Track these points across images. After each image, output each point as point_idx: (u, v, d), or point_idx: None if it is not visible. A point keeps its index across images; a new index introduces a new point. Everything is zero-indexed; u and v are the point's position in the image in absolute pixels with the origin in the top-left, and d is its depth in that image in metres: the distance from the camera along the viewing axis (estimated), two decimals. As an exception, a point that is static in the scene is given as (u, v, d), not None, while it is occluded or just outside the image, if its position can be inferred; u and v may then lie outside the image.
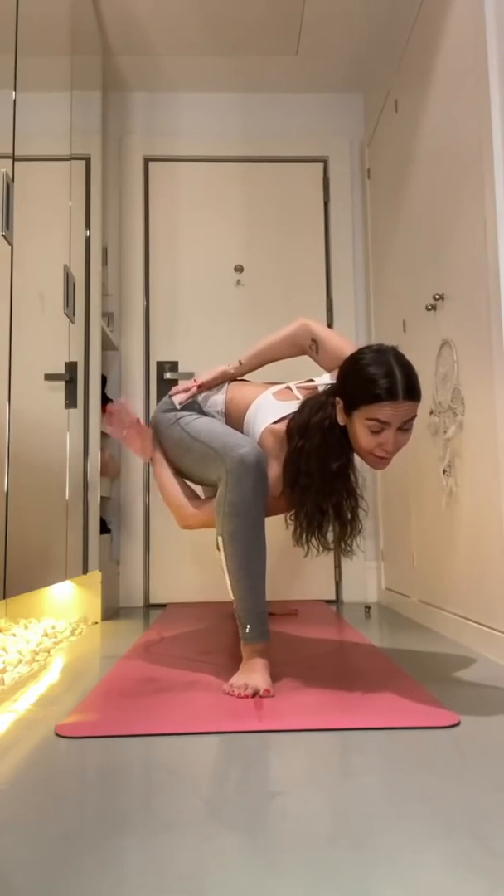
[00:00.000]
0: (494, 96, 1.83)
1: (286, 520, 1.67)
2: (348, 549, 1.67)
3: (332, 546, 1.67)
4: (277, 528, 1.78)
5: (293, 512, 1.65)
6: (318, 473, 1.57)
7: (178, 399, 1.84)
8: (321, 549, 1.66)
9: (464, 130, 2.05)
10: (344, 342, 1.75)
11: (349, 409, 1.52)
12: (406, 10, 2.66)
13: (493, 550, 1.87)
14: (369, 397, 1.47)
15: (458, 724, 1.28)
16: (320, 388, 1.73)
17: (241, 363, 1.88)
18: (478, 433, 1.98)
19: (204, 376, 1.87)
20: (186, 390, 1.85)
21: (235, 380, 1.91)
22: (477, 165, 1.94)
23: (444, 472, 2.23)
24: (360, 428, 1.51)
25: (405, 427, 1.50)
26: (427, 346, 2.43)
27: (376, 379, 1.46)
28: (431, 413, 2.37)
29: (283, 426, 1.66)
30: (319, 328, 1.79)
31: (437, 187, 2.30)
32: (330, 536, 1.67)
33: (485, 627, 1.93)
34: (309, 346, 1.80)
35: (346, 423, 1.56)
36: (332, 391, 1.61)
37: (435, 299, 2.30)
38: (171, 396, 1.87)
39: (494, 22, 1.86)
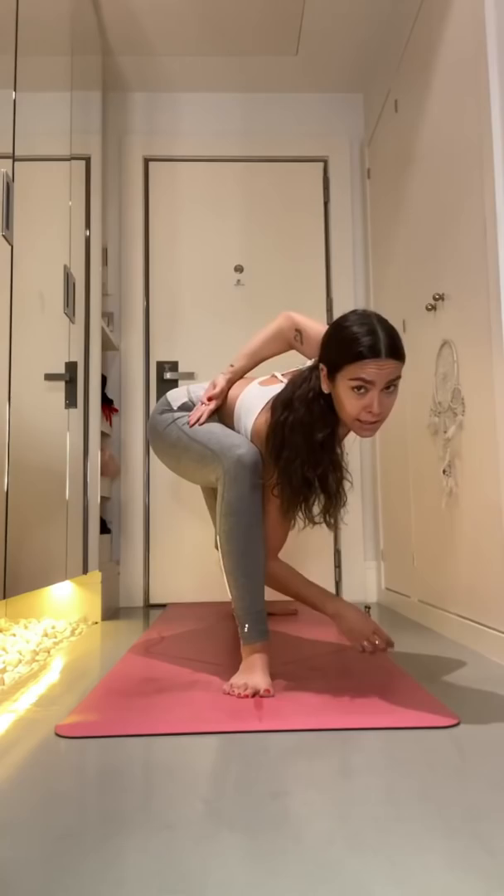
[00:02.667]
0: (494, 96, 1.83)
1: (271, 493, 1.64)
2: (332, 521, 1.65)
3: (317, 520, 1.64)
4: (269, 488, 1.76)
5: (277, 484, 1.61)
6: (304, 444, 1.55)
7: (199, 424, 1.78)
8: (306, 522, 1.64)
9: (464, 130, 2.05)
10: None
11: (333, 373, 1.51)
12: (406, 10, 2.66)
13: (493, 550, 1.87)
14: (352, 355, 1.46)
15: (458, 724, 1.28)
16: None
17: (232, 367, 1.87)
18: (478, 433, 1.98)
19: (207, 392, 1.84)
20: (201, 415, 1.80)
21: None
22: (477, 165, 1.94)
23: (444, 472, 2.23)
24: (345, 391, 1.49)
25: (389, 388, 1.49)
26: (427, 346, 2.43)
27: (358, 337, 1.46)
28: (431, 413, 2.37)
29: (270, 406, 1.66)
30: (303, 319, 1.78)
31: (437, 187, 2.30)
32: (316, 509, 1.65)
33: (485, 627, 1.93)
34: (294, 338, 1.79)
35: (331, 390, 1.54)
36: (316, 364, 1.60)
37: (435, 299, 2.30)
38: (190, 426, 1.80)
39: (494, 22, 1.86)
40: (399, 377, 1.50)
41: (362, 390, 1.47)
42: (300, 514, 1.64)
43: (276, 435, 1.59)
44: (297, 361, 1.89)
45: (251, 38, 3.12)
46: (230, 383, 1.86)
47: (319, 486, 1.59)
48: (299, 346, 1.78)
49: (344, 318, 1.54)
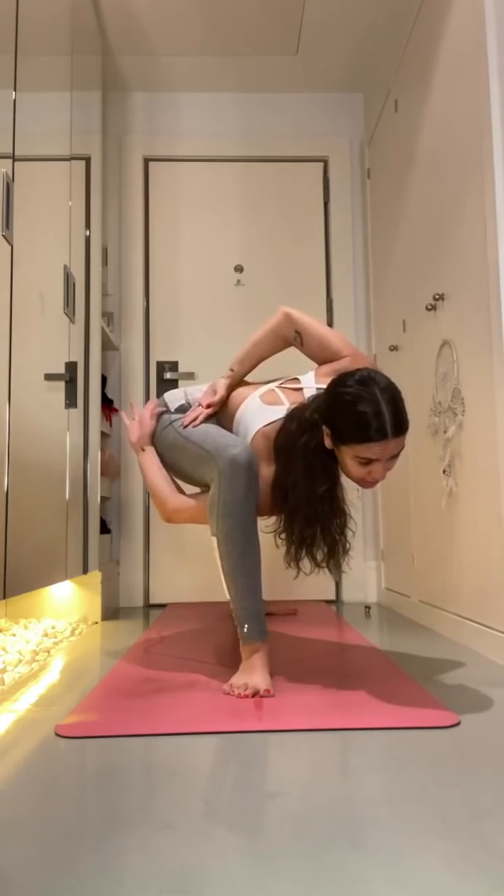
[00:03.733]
0: (494, 96, 1.83)
1: (276, 541, 1.67)
2: (337, 568, 1.68)
3: (322, 565, 1.67)
4: (273, 535, 1.77)
5: (283, 532, 1.65)
6: (305, 497, 1.57)
7: (194, 426, 1.79)
8: (313, 568, 1.66)
9: (464, 130, 2.05)
10: (327, 333, 1.74)
11: (337, 442, 1.52)
12: (406, 10, 2.66)
13: (493, 550, 1.87)
14: (357, 437, 1.45)
15: (458, 724, 1.27)
16: (305, 392, 1.72)
17: (232, 371, 1.86)
18: (478, 433, 1.98)
19: (207, 398, 1.84)
20: (196, 417, 1.80)
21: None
22: (477, 165, 1.94)
23: (444, 472, 2.23)
24: (349, 460, 1.51)
25: (394, 457, 1.51)
26: (427, 346, 2.43)
27: (364, 419, 1.43)
28: (431, 413, 2.37)
29: (273, 429, 1.66)
30: (301, 318, 1.75)
31: (437, 187, 2.30)
32: (320, 556, 1.67)
33: (485, 627, 1.93)
34: (294, 339, 1.78)
35: (334, 448, 1.55)
36: (318, 409, 1.57)
37: (435, 299, 2.30)
38: (184, 427, 1.81)
39: (494, 22, 1.86)
40: (403, 447, 1.50)
41: (366, 463, 1.49)
42: (305, 561, 1.65)
43: (281, 484, 1.61)
44: (298, 361, 1.89)
45: (251, 38, 3.12)
46: (230, 389, 1.86)
47: (321, 536, 1.62)
48: (299, 346, 1.78)
49: (349, 387, 1.48)
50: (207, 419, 1.81)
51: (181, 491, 1.82)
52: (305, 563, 1.67)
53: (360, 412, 1.44)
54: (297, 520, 1.59)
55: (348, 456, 1.50)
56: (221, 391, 1.84)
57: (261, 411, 1.73)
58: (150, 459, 1.84)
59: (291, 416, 1.63)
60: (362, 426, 1.44)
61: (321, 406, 1.56)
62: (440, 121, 2.27)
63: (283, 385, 1.79)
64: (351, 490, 1.69)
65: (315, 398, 1.63)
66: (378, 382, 1.47)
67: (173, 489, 1.81)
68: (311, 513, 1.58)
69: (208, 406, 1.81)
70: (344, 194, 3.46)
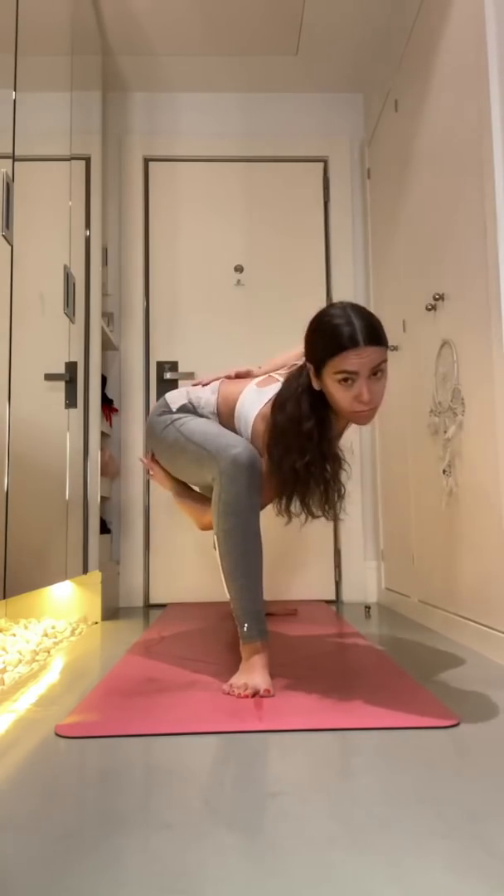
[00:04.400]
0: (494, 96, 1.83)
1: (280, 510, 1.66)
2: (330, 511, 1.66)
3: (316, 512, 1.66)
4: (276, 528, 1.78)
5: (271, 477, 1.65)
6: (293, 437, 1.58)
7: (203, 382, 1.90)
8: (306, 517, 1.66)
9: (464, 130, 2.05)
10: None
11: (319, 370, 1.53)
12: (406, 10, 2.66)
13: (493, 550, 1.87)
14: (331, 349, 1.47)
15: (458, 724, 1.27)
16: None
17: (259, 367, 1.97)
18: (478, 433, 1.98)
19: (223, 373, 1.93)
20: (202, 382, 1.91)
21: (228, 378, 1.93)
22: (477, 165, 1.94)
23: (444, 472, 2.23)
24: (333, 385, 1.51)
25: (376, 374, 1.50)
26: (427, 346, 2.43)
27: (336, 329, 1.47)
28: (431, 413, 2.37)
29: (269, 407, 1.68)
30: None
31: (437, 187, 2.30)
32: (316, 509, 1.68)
33: (485, 627, 1.93)
34: None
35: (321, 387, 1.56)
36: (303, 359, 1.63)
37: (435, 299, 2.30)
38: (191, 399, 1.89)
39: (494, 22, 1.86)
40: (384, 361, 1.51)
41: (349, 381, 1.49)
42: (300, 507, 1.65)
43: (271, 434, 1.63)
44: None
45: (251, 37, 3.12)
46: (251, 375, 1.92)
47: (311, 475, 1.60)
48: None
49: (321, 312, 1.55)
50: (207, 407, 1.86)
51: (206, 499, 1.89)
52: (298, 511, 1.67)
53: (332, 325, 1.48)
54: (286, 461, 1.59)
55: (330, 379, 1.51)
56: (243, 369, 1.93)
57: (258, 395, 1.77)
58: (182, 498, 1.94)
59: (285, 381, 1.70)
60: (335, 336, 1.47)
61: (304, 352, 1.60)
62: (440, 121, 2.27)
63: (281, 372, 1.83)
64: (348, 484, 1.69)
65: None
66: (351, 304, 1.53)
67: (204, 506, 1.88)
68: (300, 447, 1.58)
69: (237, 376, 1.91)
70: (344, 194, 3.46)
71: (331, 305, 1.56)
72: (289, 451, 1.59)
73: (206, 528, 1.87)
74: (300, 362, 1.83)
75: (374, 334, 1.48)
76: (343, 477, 1.67)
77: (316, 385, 1.57)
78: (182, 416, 1.82)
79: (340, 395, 1.51)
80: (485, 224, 1.89)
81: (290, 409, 1.60)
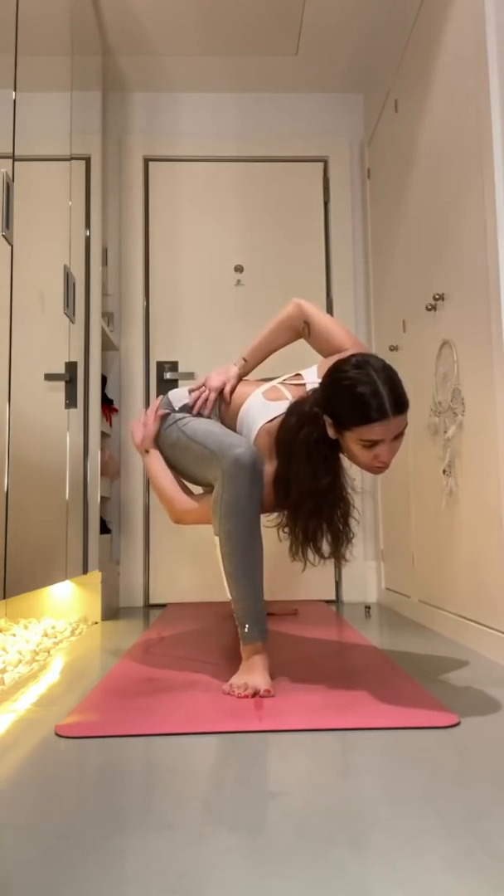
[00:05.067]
0: (494, 96, 1.83)
1: (279, 534, 1.66)
2: (342, 557, 1.66)
3: (327, 556, 1.65)
4: (276, 529, 1.77)
5: (286, 525, 1.63)
6: (308, 490, 1.56)
7: (206, 412, 1.81)
8: (318, 559, 1.65)
9: (464, 130, 2.05)
10: (333, 326, 1.74)
11: (339, 429, 1.50)
12: (406, 10, 2.66)
13: (493, 550, 1.87)
14: (358, 419, 1.44)
15: (457, 724, 1.27)
16: (308, 387, 1.71)
17: (245, 360, 1.88)
18: (478, 433, 1.98)
19: (214, 380, 1.84)
20: (206, 401, 1.81)
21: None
22: (477, 165, 1.94)
23: (444, 472, 2.23)
24: (354, 446, 1.50)
25: (398, 437, 1.50)
26: (427, 346, 2.43)
27: (363, 400, 1.43)
28: (431, 413, 2.37)
29: (276, 425, 1.66)
30: (311, 310, 1.77)
31: (437, 187, 2.30)
32: (325, 546, 1.67)
33: (485, 627, 1.93)
34: (302, 329, 1.79)
35: (338, 438, 1.54)
36: (317, 400, 1.57)
37: (435, 299, 2.30)
38: (194, 409, 1.82)
39: (494, 22, 1.86)
40: (406, 426, 1.49)
41: (371, 446, 1.47)
42: (310, 553, 1.65)
43: (283, 479, 1.60)
44: (299, 355, 1.90)
45: (251, 38, 3.12)
46: (240, 378, 1.87)
47: (326, 527, 1.61)
48: (307, 337, 1.78)
49: (343, 372, 1.49)
50: (214, 405, 1.82)
51: (188, 492, 1.83)
52: (313, 559, 1.66)
53: (358, 394, 1.44)
54: (301, 514, 1.58)
55: (352, 441, 1.49)
56: (233, 381, 1.85)
57: (264, 408, 1.73)
58: (156, 461, 1.84)
59: (291, 411, 1.63)
60: (362, 408, 1.43)
61: (320, 397, 1.56)
62: (440, 121, 2.27)
63: (286, 381, 1.79)
64: (355, 477, 1.69)
65: (315, 391, 1.63)
66: (373, 364, 1.48)
67: (180, 490, 1.81)
68: (314, 506, 1.57)
69: (221, 392, 1.83)
70: (344, 194, 3.46)
71: (351, 364, 1.49)
72: (302, 506, 1.57)
73: (179, 521, 1.80)
74: (284, 332, 1.80)
75: (400, 403, 1.45)
76: (351, 523, 1.66)
77: (332, 434, 1.53)
78: (185, 415, 1.82)
79: (360, 454, 1.50)
80: (485, 224, 1.89)
81: (302, 461, 1.55)
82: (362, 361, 1.49)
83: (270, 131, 3.49)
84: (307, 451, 1.56)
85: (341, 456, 1.62)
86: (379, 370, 1.47)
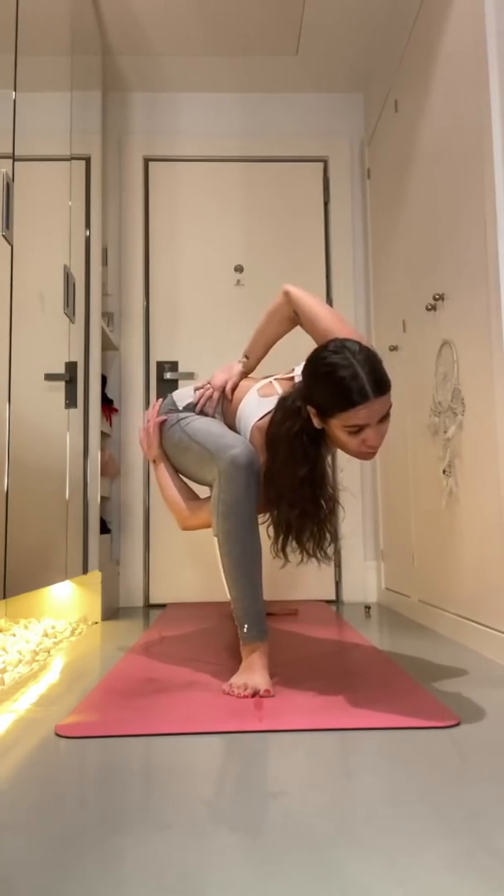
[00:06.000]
0: (494, 96, 1.83)
1: (267, 532, 1.65)
2: (324, 555, 1.63)
3: (311, 553, 1.63)
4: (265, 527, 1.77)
5: (270, 523, 1.62)
6: (287, 483, 1.54)
7: (210, 411, 1.82)
8: (302, 557, 1.63)
9: (464, 130, 2.05)
10: (320, 312, 1.68)
11: (324, 417, 1.48)
12: (406, 10, 2.66)
13: (493, 550, 1.87)
14: (341, 405, 1.42)
15: (457, 724, 1.27)
16: (296, 380, 1.69)
17: (246, 357, 1.88)
18: (478, 433, 1.98)
19: (217, 378, 1.85)
20: (210, 398, 1.82)
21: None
22: (477, 165, 1.94)
23: (444, 472, 2.23)
24: (339, 433, 1.47)
25: (383, 419, 1.47)
26: (427, 346, 2.43)
27: (343, 384, 1.40)
28: (431, 413, 2.37)
29: (266, 422, 1.65)
30: (299, 297, 1.72)
31: (437, 187, 2.30)
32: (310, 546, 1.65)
33: (485, 627, 1.93)
34: (294, 317, 1.76)
35: (324, 427, 1.52)
36: (301, 393, 1.55)
37: (435, 299, 2.30)
38: (198, 407, 1.83)
39: (494, 22, 1.86)
40: (390, 406, 1.47)
41: (357, 431, 1.45)
42: (290, 549, 1.63)
43: (266, 475, 1.60)
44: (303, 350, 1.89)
45: (251, 37, 3.12)
46: (243, 375, 1.88)
47: (303, 523, 1.58)
48: (300, 324, 1.77)
49: (323, 359, 1.47)
50: (217, 404, 1.83)
51: (195, 496, 1.84)
52: (296, 558, 1.65)
53: (338, 379, 1.41)
54: (282, 507, 1.57)
55: (338, 429, 1.47)
56: (235, 378, 1.85)
57: (257, 405, 1.74)
58: (163, 472, 1.87)
59: (279, 406, 1.62)
60: (343, 393, 1.41)
61: (302, 388, 1.55)
62: (440, 121, 2.27)
63: (279, 377, 1.80)
64: (349, 483, 1.68)
65: (298, 384, 1.61)
66: (350, 348, 1.45)
67: (186, 498, 1.83)
68: (293, 498, 1.55)
69: (223, 391, 1.83)
70: (344, 194, 3.46)
71: (330, 350, 1.47)
72: (283, 499, 1.56)
73: (185, 528, 1.82)
74: (278, 324, 1.79)
75: (381, 383, 1.43)
76: (336, 522, 1.63)
77: (317, 424, 1.52)
78: (187, 414, 1.82)
79: (347, 441, 1.48)
80: (485, 224, 1.89)
81: (284, 453, 1.55)
82: (339, 346, 1.46)
83: (270, 131, 3.49)
84: (289, 443, 1.55)
85: (327, 457, 1.62)
86: (356, 353, 1.44)
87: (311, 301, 1.71)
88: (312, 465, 1.55)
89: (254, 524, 1.60)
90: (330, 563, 1.66)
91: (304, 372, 1.54)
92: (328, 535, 1.63)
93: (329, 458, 1.67)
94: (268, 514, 1.66)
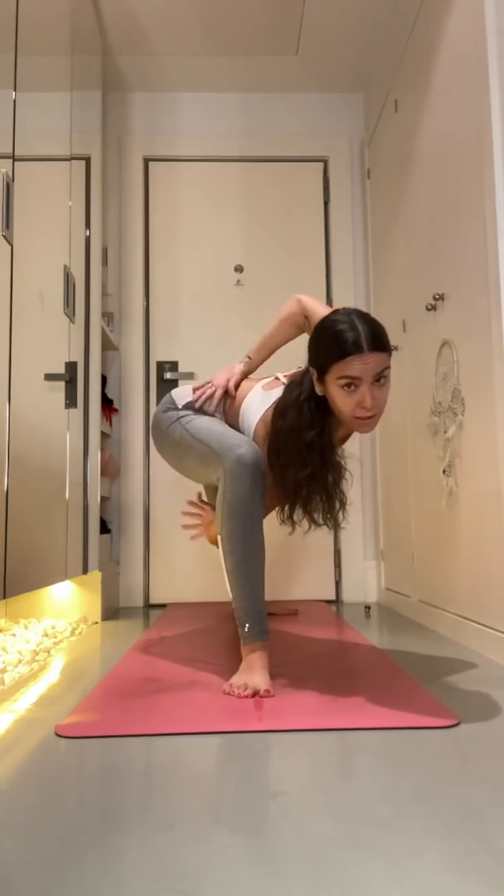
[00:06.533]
0: (494, 96, 1.83)
1: (283, 519, 1.66)
2: (333, 522, 1.66)
3: (319, 521, 1.65)
4: (276, 529, 1.78)
5: (275, 488, 1.64)
6: (294, 447, 1.57)
7: (210, 408, 1.82)
8: (309, 525, 1.65)
9: (464, 130, 2.05)
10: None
11: (322, 376, 1.52)
12: (406, 10, 2.66)
13: (493, 550, 1.87)
14: (335, 355, 1.46)
15: (458, 724, 1.27)
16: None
17: (250, 358, 1.90)
18: (478, 433, 1.98)
19: (220, 378, 1.86)
20: (211, 396, 1.83)
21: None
22: (477, 165, 1.94)
23: (444, 472, 2.23)
24: (336, 390, 1.50)
25: (379, 381, 1.49)
26: (427, 346, 2.43)
27: (339, 335, 1.46)
28: (431, 413, 2.37)
29: (271, 412, 1.67)
30: (310, 304, 1.80)
31: (437, 187, 2.30)
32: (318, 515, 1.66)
33: (485, 627, 1.93)
34: (303, 323, 1.81)
35: (324, 392, 1.55)
36: (307, 364, 1.61)
37: (435, 299, 2.30)
38: (196, 403, 1.83)
39: (494, 22, 1.86)
40: (387, 368, 1.50)
41: (352, 387, 1.47)
42: (303, 516, 1.65)
43: (273, 443, 1.61)
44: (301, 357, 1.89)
45: (251, 37, 3.12)
46: (244, 375, 1.89)
47: (313, 486, 1.60)
48: (308, 331, 1.79)
49: (325, 318, 1.54)
50: (218, 404, 1.83)
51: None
52: (304, 527, 1.66)
53: (336, 331, 1.47)
54: (290, 472, 1.58)
55: (333, 385, 1.50)
56: (237, 377, 1.87)
57: (262, 398, 1.76)
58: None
59: (287, 386, 1.67)
60: (339, 341, 1.46)
61: (308, 355, 1.59)
62: (440, 121, 2.27)
63: (286, 374, 1.81)
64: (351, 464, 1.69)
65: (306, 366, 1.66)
66: (355, 311, 1.52)
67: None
68: (302, 461, 1.57)
69: (224, 389, 1.84)
70: (344, 194, 3.46)
71: (335, 311, 1.54)
72: (291, 462, 1.57)
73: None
74: (287, 328, 1.83)
75: (378, 340, 1.47)
76: (344, 486, 1.65)
77: (319, 390, 1.56)
78: (187, 413, 1.82)
79: (343, 401, 1.50)
80: (485, 224, 1.89)
81: (292, 418, 1.59)
82: (346, 309, 1.54)
83: (270, 131, 3.49)
84: (297, 409, 1.59)
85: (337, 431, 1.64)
86: (360, 314, 1.50)
87: (323, 309, 1.77)
88: (320, 430, 1.58)
89: (258, 525, 1.60)
90: (339, 529, 1.69)
91: (309, 340, 1.58)
92: (337, 502, 1.64)
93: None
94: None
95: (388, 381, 1.52)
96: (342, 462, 1.65)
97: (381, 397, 1.51)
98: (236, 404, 1.83)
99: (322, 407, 1.58)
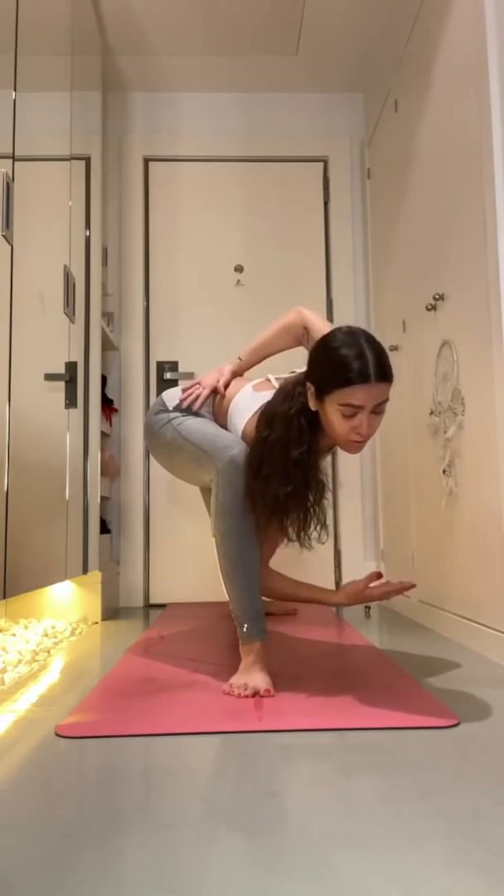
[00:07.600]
0: (494, 96, 1.83)
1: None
2: (307, 539, 1.61)
3: (293, 537, 1.61)
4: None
5: (252, 500, 1.59)
6: (279, 461, 1.53)
7: (195, 407, 1.81)
8: (285, 539, 1.62)
9: (464, 130, 2.05)
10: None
11: (321, 394, 1.49)
12: (406, 10, 2.66)
13: (493, 550, 1.87)
14: (340, 381, 1.43)
15: (457, 724, 1.27)
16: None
17: (240, 359, 1.89)
18: (478, 433, 1.98)
19: (208, 378, 1.86)
20: (197, 397, 1.82)
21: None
22: (477, 165, 1.94)
23: (444, 472, 2.23)
24: (333, 413, 1.47)
25: (378, 410, 1.47)
26: (427, 346, 2.43)
27: (347, 361, 1.43)
28: (431, 413, 2.37)
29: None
30: (311, 317, 1.78)
31: (437, 187, 2.30)
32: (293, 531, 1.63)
33: (485, 627, 1.93)
34: (301, 336, 1.79)
35: (319, 409, 1.52)
36: (304, 375, 1.57)
37: (435, 299, 2.30)
38: (183, 403, 1.82)
39: (494, 22, 1.86)
40: (387, 399, 1.48)
41: (351, 413, 1.45)
42: (277, 528, 1.62)
43: (257, 451, 1.58)
44: (300, 361, 1.89)
45: (251, 37, 3.12)
46: (234, 375, 1.88)
47: (293, 503, 1.55)
48: (306, 343, 1.78)
49: (331, 337, 1.50)
50: (204, 402, 1.82)
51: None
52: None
53: (343, 355, 1.44)
54: (271, 484, 1.53)
55: (332, 407, 1.47)
56: (226, 376, 1.86)
57: (251, 399, 1.74)
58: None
59: (278, 391, 1.64)
60: (345, 369, 1.43)
61: (307, 367, 1.56)
62: (440, 121, 2.27)
63: (277, 376, 1.80)
64: (349, 482, 1.67)
65: (300, 373, 1.63)
66: (363, 334, 1.49)
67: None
68: (284, 478, 1.52)
69: (213, 389, 1.83)
70: (344, 194, 3.46)
71: (341, 331, 1.50)
72: (273, 475, 1.53)
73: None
74: (283, 337, 1.81)
75: (384, 371, 1.45)
76: (324, 506, 1.62)
77: (313, 406, 1.52)
78: (179, 414, 1.82)
79: (340, 425, 1.47)
80: (485, 224, 1.89)
81: (280, 431, 1.54)
82: (352, 330, 1.50)
83: (270, 131, 3.49)
84: (286, 423, 1.55)
85: (325, 454, 1.62)
86: (368, 339, 1.47)
87: (323, 323, 1.76)
88: (307, 448, 1.55)
89: (252, 524, 1.60)
90: (311, 549, 1.64)
91: (311, 351, 1.56)
92: (313, 520, 1.60)
93: (329, 460, 1.67)
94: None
95: (384, 409, 1.50)
96: (324, 480, 1.60)
97: (376, 424, 1.50)
98: (225, 403, 1.82)
99: (312, 423, 1.55)
